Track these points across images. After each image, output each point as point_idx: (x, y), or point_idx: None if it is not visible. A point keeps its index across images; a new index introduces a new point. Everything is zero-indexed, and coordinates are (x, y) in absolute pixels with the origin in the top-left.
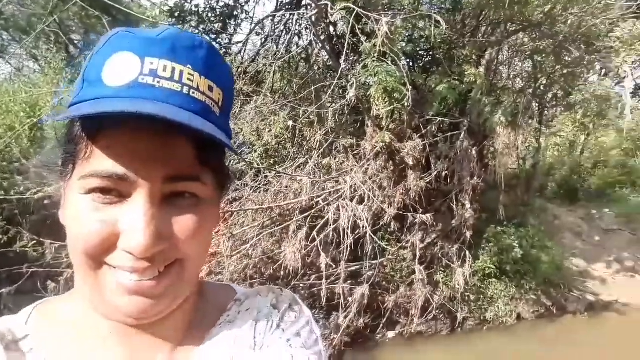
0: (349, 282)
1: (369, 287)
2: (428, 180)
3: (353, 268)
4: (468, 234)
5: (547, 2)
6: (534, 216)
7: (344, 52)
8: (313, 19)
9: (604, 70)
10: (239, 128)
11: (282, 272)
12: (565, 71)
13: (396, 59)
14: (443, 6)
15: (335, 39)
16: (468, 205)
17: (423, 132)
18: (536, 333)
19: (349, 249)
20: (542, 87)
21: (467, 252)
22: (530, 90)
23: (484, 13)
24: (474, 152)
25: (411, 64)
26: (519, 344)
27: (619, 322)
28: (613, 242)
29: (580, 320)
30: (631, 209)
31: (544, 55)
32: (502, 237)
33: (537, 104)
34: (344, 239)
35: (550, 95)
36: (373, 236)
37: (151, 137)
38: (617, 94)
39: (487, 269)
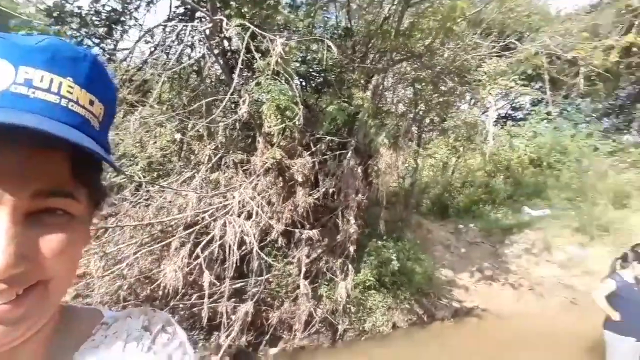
0: (232, 300)
1: (253, 304)
2: (316, 197)
3: (238, 285)
4: (352, 248)
5: (428, 36)
6: (411, 230)
7: (238, 68)
8: (207, 32)
9: (472, 100)
10: (120, 139)
11: (160, 293)
12: (441, 99)
13: (289, 78)
14: (335, 32)
15: (229, 54)
16: (352, 221)
17: (313, 150)
18: (409, 340)
19: (234, 265)
20: (421, 113)
21: (350, 266)
22: (411, 115)
23: (372, 41)
24: (359, 170)
25: (304, 83)
26: (394, 351)
27: (478, 326)
28: (476, 254)
29: (447, 325)
30: (491, 224)
31: (423, 84)
32: (382, 251)
33: (416, 128)
34: (229, 256)
35: (427, 120)
36: (260, 252)
37: (21, 150)
38: (482, 122)
39: (367, 281)
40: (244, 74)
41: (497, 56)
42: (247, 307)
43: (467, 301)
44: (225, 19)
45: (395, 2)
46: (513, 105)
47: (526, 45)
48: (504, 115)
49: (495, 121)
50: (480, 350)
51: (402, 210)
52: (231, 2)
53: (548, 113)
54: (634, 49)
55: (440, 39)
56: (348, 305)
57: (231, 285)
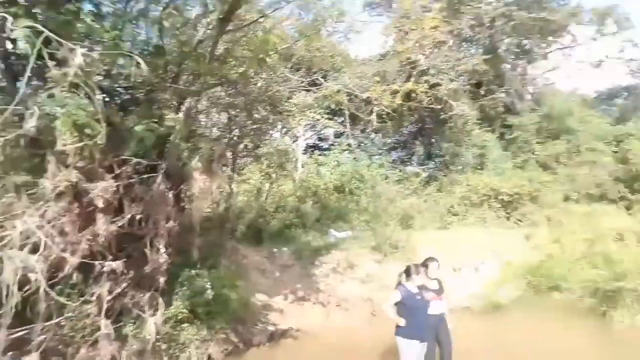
0: (10, 352)
1: (39, 355)
2: (120, 224)
3: (18, 334)
4: (162, 280)
5: (241, 65)
6: (226, 257)
7: (26, 76)
8: None
9: (284, 130)
10: None
11: None
12: (254, 126)
13: (90, 92)
14: (146, 48)
15: (13, 58)
16: (163, 250)
17: (117, 172)
18: None
19: (13, 310)
20: (235, 138)
21: (160, 299)
22: (225, 140)
23: (185, 63)
24: (170, 195)
25: (107, 99)
26: None
27: (293, 346)
28: (289, 276)
29: (263, 350)
30: (302, 246)
31: (237, 110)
32: (196, 280)
33: (230, 153)
34: (7, 299)
35: (242, 146)
36: (49, 291)
37: None
38: (293, 150)
39: (180, 314)
40: (33, 83)
41: (305, 90)
42: None
43: (281, 323)
44: (10, 18)
45: (210, 27)
46: (319, 136)
47: (330, 83)
48: (311, 144)
49: (304, 150)
50: None
51: (217, 237)
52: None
53: (349, 145)
54: (413, 95)
55: (253, 68)
56: (158, 343)
57: (9, 336)
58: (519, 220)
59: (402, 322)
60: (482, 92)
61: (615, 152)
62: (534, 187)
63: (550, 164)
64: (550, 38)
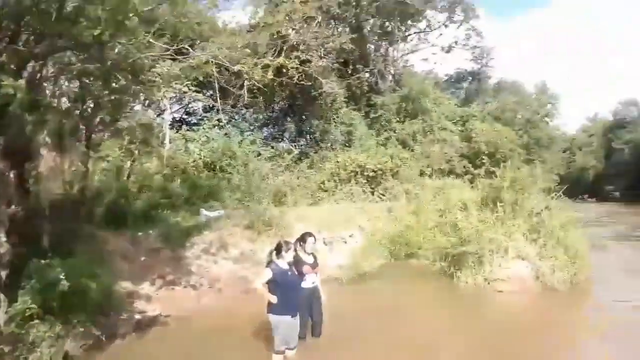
0: None
1: None
2: None
3: None
4: (3, 273)
5: (96, 26)
6: (83, 243)
7: None
8: None
9: (147, 102)
10: None
11: None
12: (112, 97)
13: None
14: None
15: None
16: (4, 239)
17: None
18: None
19: None
20: (89, 110)
21: (2, 295)
22: (78, 112)
23: (26, 19)
24: (12, 175)
25: None
26: None
27: (161, 334)
28: (156, 260)
29: (129, 340)
30: (170, 228)
31: (92, 78)
32: (47, 271)
33: (84, 127)
34: None
35: (97, 119)
36: None
37: None
38: (158, 124)
39: (28, 310)
40: None
41: (171, 59)
42: None
43: (149, 311)
44: None
45: None
46: (187, 110)
47: (198, 53)
48: (179, 119)
49: (170, 125)
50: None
51: (72, 221)
52: None
53: (219, 120)
54: (284, 70)
55: (110, 31)
56: (0, 346)
57: None
58: (382, 195)
59: (274, 299)
60: (349, 71)
61: (462, 131)
62: (394, 163)
63: (408, 141)
64: (409, 22)
